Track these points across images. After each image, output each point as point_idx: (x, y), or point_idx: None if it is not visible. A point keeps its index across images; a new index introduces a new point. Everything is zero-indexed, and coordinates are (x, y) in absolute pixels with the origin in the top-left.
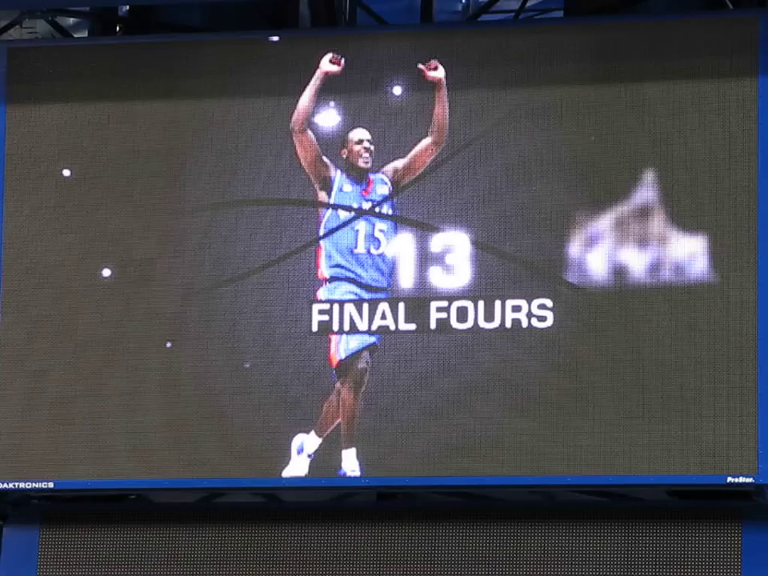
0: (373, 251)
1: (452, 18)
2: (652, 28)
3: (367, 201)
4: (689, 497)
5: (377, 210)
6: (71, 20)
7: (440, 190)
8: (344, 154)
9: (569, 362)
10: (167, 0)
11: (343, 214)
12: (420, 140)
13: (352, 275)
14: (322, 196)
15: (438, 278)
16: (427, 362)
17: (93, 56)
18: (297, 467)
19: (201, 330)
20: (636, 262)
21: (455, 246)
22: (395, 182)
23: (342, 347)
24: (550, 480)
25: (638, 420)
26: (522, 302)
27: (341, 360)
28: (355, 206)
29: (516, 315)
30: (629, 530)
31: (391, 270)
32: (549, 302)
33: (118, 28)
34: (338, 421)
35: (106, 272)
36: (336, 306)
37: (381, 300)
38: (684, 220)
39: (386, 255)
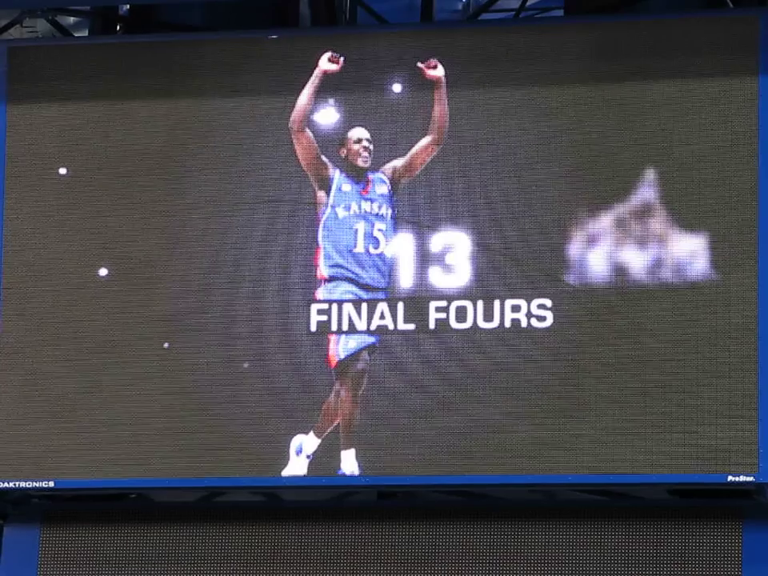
0: (372, 251)
1: (452, 17)
2: (652, 27)
3: (366, 200)
4: (689, 496)
5: (376, 209)
6: (71, 19)
7: (439, 189)
8: (343, 153)
9: (569, 361)
10: (167, 0)
11: (342, 214)
12: (419, 139)
13: (351, 275)
14: (321, 195)
15: (437, 278)
16: (426, 363)
17: (93, 55)
18: (295, 468)
19: (199, 330)
20: (636, 261)
21: (454, 245)
22: (394, 182)
23: (341, 347)
24: (550, 479)
25: (639, 419)
26: (522, 302)
27: (340, 360)
28: (354, 205)
29: (515, 315)
30: (629, 529)
31: (390, 270)
32: (548, 302)
33: (118, 27)
34: (337, 421)
35: (103, 271)
36: (335, 306)
37: (380, 300)
38: (684, 219)
39: (385, 255)
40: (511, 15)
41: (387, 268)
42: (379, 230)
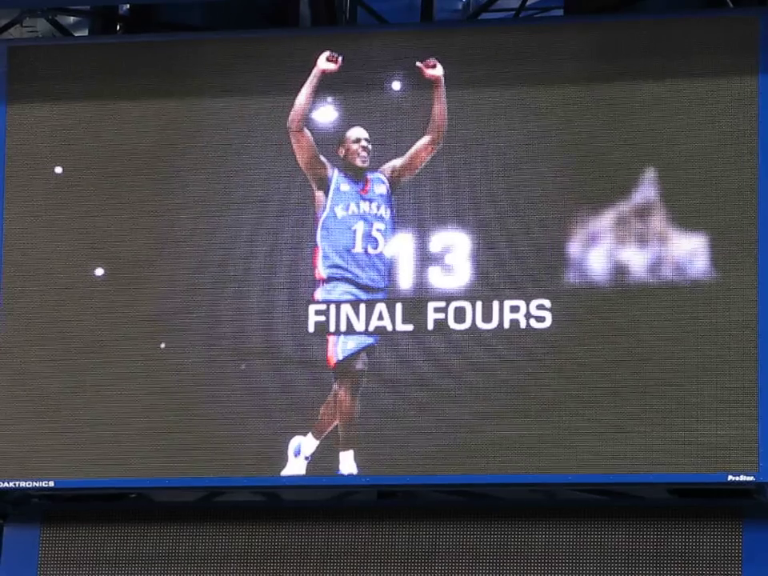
0: (370, 251)
1: (452, 17)
2: (652, 27)
3: (365, 200)
4: (689, 495)
5: (375, 209)
6: (71, 19)
7: (438, 189)
8: (341, 152)
9: (568, 362)
10: None
11: (341, 214)
12: (418, 139)
13: (349, 275)
14: (320, 195)
15: (435, 279)
16: (425, 363)
17: (93, 55)
18: (294, 469)
19: (197, 331)
20: (636, 261)
21: (453, 246)
22: (393, 182)
23: (339, 348)
24: (550, 478)
25: (639, 419)
26: (521, 303)
27: (338, 361)
28: (353, 205)
29: (514, 316)
30: (630, 528)
31: (389, 270)
32: (547, 303)
33: (118, 27)
34: (335, 422)
35: (95, 271)
36: (333, 307)
37: (378, 300)
38: (684, 219)
39: (383, 255)
40: (511, 15)
41: (386, 268)
42: (378, 230)
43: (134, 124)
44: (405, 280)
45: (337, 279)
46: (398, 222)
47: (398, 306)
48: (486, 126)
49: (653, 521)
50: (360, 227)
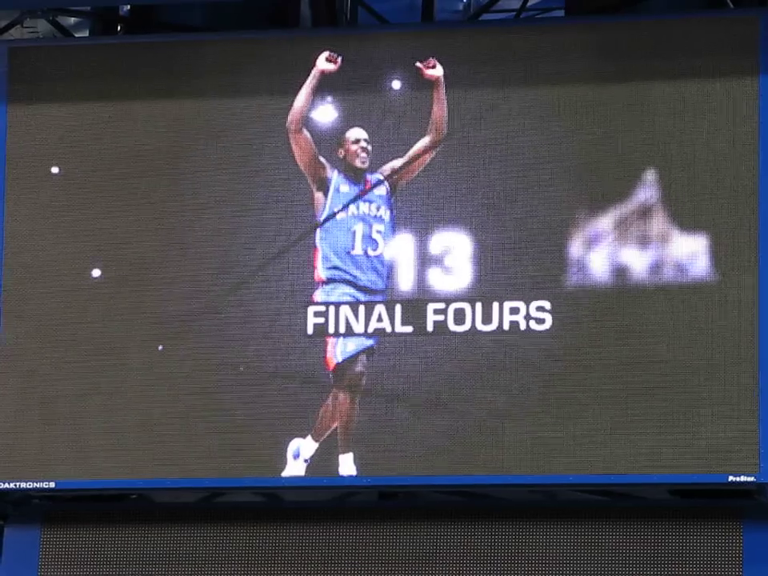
0: (370, 253)
1: (453, 17)
2: (652, 27)
3: (365, 201)
4: (690, 496)
5: (374, 210)
6: (72, 19)
7: (438, 190)
8: (341, 153)
9: (568, 363)
10: (168, 0)
11: (340, 215)
12: (418, 140)
13: (349, 277)
14: (319, 196)
15: (435, 280)
16: (425, 365)
17: (94, 56)
18: (293, 472)
19: (196, 332)
20: (636, 262)
21: (452, 247)
22: (393, 183)
23: (338, 350)
24: (551, 479)
25: (639, 420)
26: (521, 304)
27: (338, 363)
28: (352, 206)
29: (514, 318)
30: (630, 529)
31: (389, 272)
32: (547, 304)
33: (119, 28)
34: (335, 425)
35: (101, 272)
36: (332, 309)
37: (377, 302)
38: (685, 220)
39: (383, 257)
40: (512, 15)
41: (385, 270)
42: (378, 231)
43: (135, 125)
44: (404, 281)
45: (336, 281)
46: (397, 224)
47: (398, 308)
48: (487, 127)
49: (653, 521)
50: (359, 228)
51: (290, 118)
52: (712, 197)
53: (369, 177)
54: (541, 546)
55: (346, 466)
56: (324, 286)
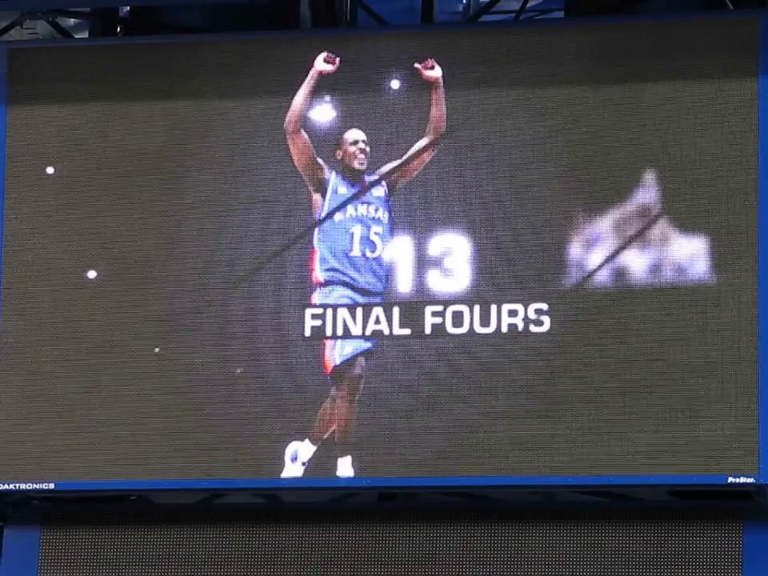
0: (368, 254)
1: (453, 19)
2: (652, 28)
3: (362, 203)
4: (690, 497)
5: (372, 212)
6: (72, 21)
7: (436, 191)
8: (339, 155)
9: (567, 364)
10: (168, 1)
11: (338, 217)
12: (416, 141)
13: (347, 279)
14: (317, 198)
15: (433, 282)
16: (422, 368)
17: (93, 57)
18: (291, 474)
19: (195, 331)
20: (636, 263)
21: (450, 249)
22: (391, 184)
23: (336, 353)
24: (550, 480)
25: (639, 421)
26: (519, 307)
27: (335, 366)
28: (350, 208)
29: (512, 320)
30: (630, 530)
31: (387, 274)
32: (545, 306)
33: (118, 29)
34: (332, 428)
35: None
36: (329, 311)
37: (375, 304)
38: (684, 221)
39: (381, 258)
40: (512, 17)
41: (384, 272)
42: (376, 233)
43: (135, 125)
44: (402, 283)
45: (334, 283)
46: (395, 225)
47: (395, 310)
48: (486, 128)
49: (653, 523)
50: (357, 230)
51: (287, 118)
52: (712, 197)
53: (367, 178)
54: (540, 547)
55: (344, 468)
56: (322, 288)
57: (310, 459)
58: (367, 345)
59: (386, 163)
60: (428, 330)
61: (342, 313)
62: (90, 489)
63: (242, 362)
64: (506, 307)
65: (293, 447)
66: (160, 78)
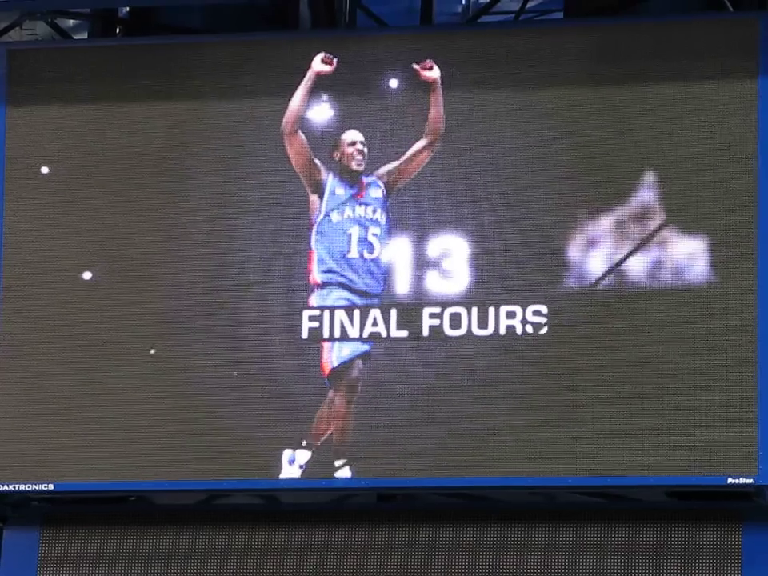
0: (366, 256)
1: (452, 20)
2: (652, 29)
3: (360, 204)
4: (689, 498)
5: (370, 213)
6: (71, 21)
7: (435, 193)
8: (336, 156)
9: (566, 366)
10: (167, 1)
11: (336, 218)
12: (415, 142)
13: (344, 280)
14: (314, 199)
15: (431, 284)
16: (420, 370)
17: (93, 57)
18: (289, 476)
19: (193, 331)
20: (634, 264)
21: (448, 251)
22: (389, 185)
23: (334, 355)
24: (549, 481)
25: (638, 421)
26: (517, 308)
27: (333, 368)
28: (348, 209)
29: (510, 322)
30: (629, 531)
31: (385, 276)
32: (544, 308)
33: (117, 30)
34: (330, 430)
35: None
36: (327, 313)
37: (373, 306)
38: (684, 221)
39: (379, 260)
40: (511, 18)
41: (381, 273)
42: (373, 234)
43: (135, 126)
44: (400, 285)
45: (332, 284)
46: (393, 227)
47: (393, 312)
48: (485, 129)
49: (652, 524)
50: (355, 231)
51: (284, 120)
52: (711, 198)
53: (364, 179)
54: (539, 548)
55: (342, 470)
56: (319, 290)
57: (308, 461)
58: (365, 347)
59: (383, 164)
60: (426, 332)
61: (340, 315)
62: (90, 490)
63: (240, 364)
64: (504, 309)
65: (290, 449)
66: (159, 78)
